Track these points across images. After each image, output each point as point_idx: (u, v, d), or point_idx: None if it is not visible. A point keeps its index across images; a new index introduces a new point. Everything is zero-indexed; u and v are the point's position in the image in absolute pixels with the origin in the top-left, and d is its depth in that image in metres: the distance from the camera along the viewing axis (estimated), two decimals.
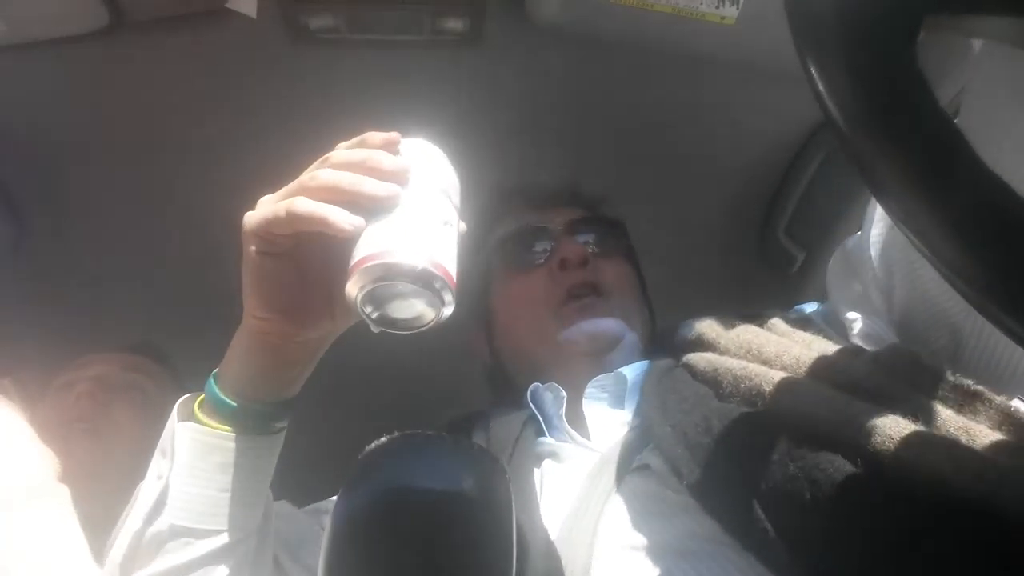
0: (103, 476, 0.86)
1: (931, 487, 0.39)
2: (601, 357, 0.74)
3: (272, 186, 0.54)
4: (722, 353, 0.60)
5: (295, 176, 0.53)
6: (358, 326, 0.52)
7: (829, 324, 0.63)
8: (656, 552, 0.49)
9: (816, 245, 1.08)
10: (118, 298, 1.25)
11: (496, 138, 1.06)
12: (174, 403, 0.59)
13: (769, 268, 1.19)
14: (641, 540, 0.50)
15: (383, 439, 0.47)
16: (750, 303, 1.22)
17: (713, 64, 0.89)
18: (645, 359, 0.72)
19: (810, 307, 0.72)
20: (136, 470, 0.91)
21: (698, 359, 0.61)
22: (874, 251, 0.59)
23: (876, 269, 0.58)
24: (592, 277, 0.79)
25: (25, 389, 1.34)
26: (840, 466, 0.42)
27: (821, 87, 0.30)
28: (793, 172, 1.09)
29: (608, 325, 0.76)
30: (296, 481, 1.58)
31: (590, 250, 0.81)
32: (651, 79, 0.96)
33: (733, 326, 0.63)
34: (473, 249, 0.92)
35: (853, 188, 0.98)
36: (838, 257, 0.68)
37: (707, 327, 0.66)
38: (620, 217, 0.89)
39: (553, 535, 0.54)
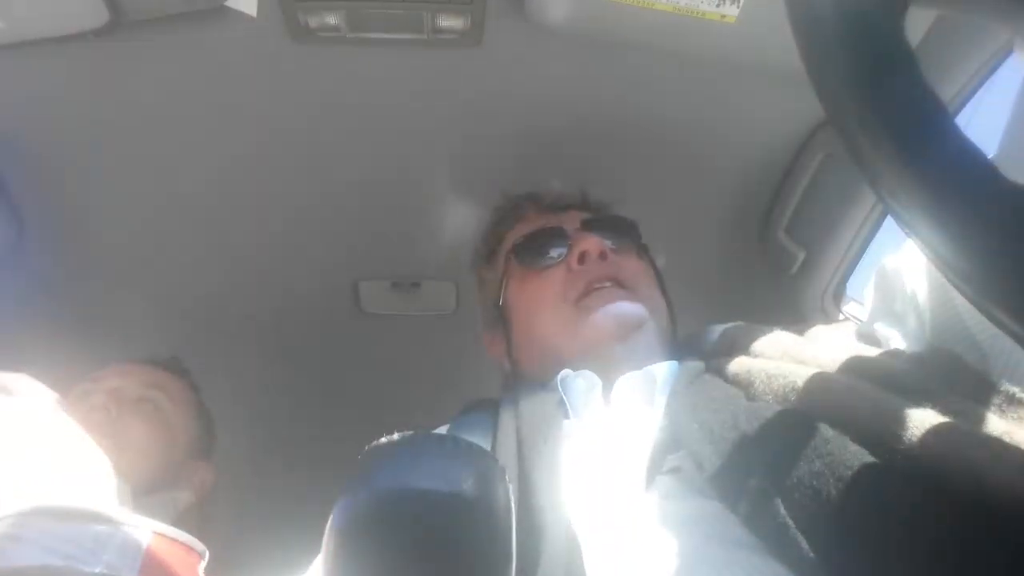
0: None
1: (968, 483, 0.37)
2: (627, 340, 0.74)
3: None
4: (756, 357, 0.60)
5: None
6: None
7: (865, 342, 0.63)
8: (683, 558, 0.48)
9: (816, 245, 1.08)
10: (118, 298, 1.25)
11: (496, 137, 1.06)
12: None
13: (769, 268, 1.19)
14: (669, 544, 0.49)
15: (383, 439, 0.47)
16: (750, 303, 1.22)
17: (713, 63, 0.89)
18: (672, 359, 0.71)
19: None
20: (144, 487, 0.91)
21: (730, 363, 0.61)
22: (910, 273, 0.59)
23: (911, 290, 0.58)
24: (611, 271, 0.79)
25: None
26: (868, 462, 0.41)
27: (817, 72, 0.31)
28: (793, 171, 1.09)
29: (633, 308, 0.76)
30: (299, 480, 1.58)
31: (608, 246, 0.81)
32: (651, 78, 0.96)
33: (769, 331, 0.63)
34: (487, 255, 0.93)
35: (854, 187, 0.98)
36: (878, 276, 0.68)
37: (741, 332, 0.65)
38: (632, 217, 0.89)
39: (578, 524, 0.53)
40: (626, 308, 0.76)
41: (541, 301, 0.81)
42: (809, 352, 0.56)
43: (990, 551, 0.36)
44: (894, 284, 0.63)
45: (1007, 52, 0.76)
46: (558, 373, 0.72)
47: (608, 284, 0.78)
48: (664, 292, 0.86)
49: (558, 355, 0.77)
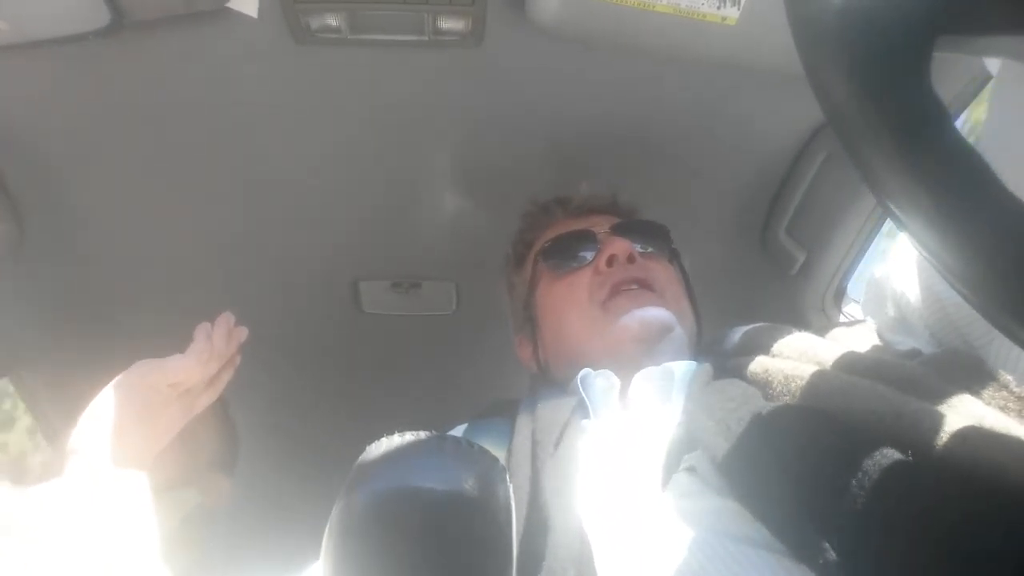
0: None
1: (988, 478, 0.37)
2: (652, 345, 0.74)
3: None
4: (774, 356, 0.60)
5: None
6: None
7: (884, 343, 0.63)
8: (695, 556, 0.48)
9: (817, 245, 1.08)
10: (118, 297, 1.25)
11: (496, 138, 1.06)
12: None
13: (770, 268, 1.19)
14: (682, 542, 0.49)
15: (384, 439, 0.47)
16: (751, 303, 1.23)
17: (714, 65, 0.89)
18: (692, 360, 0.71)
19: None
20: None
21: (750, 362, 0.60)
22: (900, 279, 0.59)
23: (904, 296, 0.59)
24: (640, 273, 0.79)
25: (25, 387, 1.34)
26: (888, 454, 0.40)
27: (829, 100, 0.30)
28: (794, 172, 1.09)
29: (660, 313, 0.75)
30: (298, 480, 1.58)
31: (637, 250, 0.81)
32: (652, 80, 0.96)
33: (790, 332, 0.62)
34: (516, 260, 0.93)
35: (854, 188, 0.98)
36: (870, 287, 0.68)
37: (762, 332, 0.65)
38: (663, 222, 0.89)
39: (589, 523, 0.53)
40: (654, 313, 0.75)
41: (568, 304, 0.81)
42: (828, 353, 0.56)
43: (1010, 544, 0.35)
44: (886, 293, 0.63)
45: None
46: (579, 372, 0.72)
47: (635, 287, 0.78)
48: (692, 299, 0.85)
49: (584, 358, 0.76)
